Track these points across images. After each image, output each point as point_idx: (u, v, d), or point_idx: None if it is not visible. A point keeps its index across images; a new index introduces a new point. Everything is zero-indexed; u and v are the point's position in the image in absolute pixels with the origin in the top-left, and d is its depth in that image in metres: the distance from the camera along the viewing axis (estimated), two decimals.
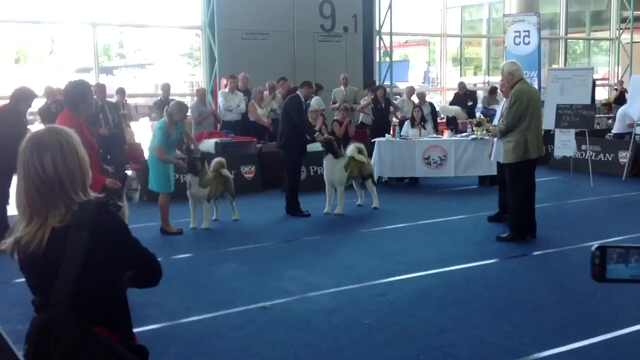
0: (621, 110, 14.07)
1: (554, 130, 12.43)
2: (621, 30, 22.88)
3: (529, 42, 17.25)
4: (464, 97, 16.08)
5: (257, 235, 8.42)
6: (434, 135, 12.44)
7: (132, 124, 12.72)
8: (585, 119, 12.04)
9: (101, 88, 11.02)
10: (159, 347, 4.61)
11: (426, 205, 10.29)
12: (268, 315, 5.48)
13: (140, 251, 2.44)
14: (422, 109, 12.64)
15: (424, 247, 7.75)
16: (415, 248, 7.70)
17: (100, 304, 2.29)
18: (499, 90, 12.14)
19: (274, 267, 6.95)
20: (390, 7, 17.26)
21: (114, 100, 11.86)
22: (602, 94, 22.61)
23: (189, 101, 14.77)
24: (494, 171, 9.81)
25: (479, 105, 16.60)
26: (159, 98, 12.71)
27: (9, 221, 7.57)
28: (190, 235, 8.48)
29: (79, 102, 5.72)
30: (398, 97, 16.16)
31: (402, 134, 12.24)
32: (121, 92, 12.25)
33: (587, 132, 12.22)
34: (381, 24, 17.40)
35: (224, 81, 14.04)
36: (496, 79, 16.59)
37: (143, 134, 12.65)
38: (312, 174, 11.55)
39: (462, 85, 16.77)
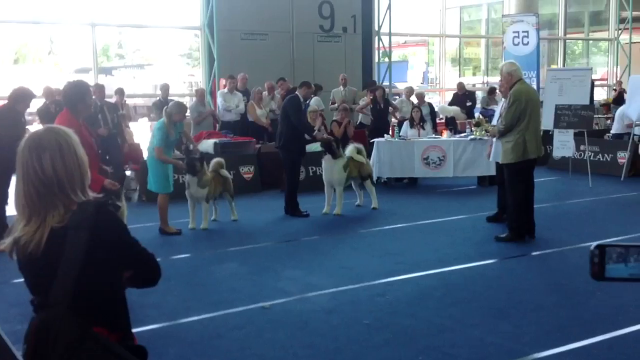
0: (620, 110, 14.08)
1: (553, 131, 12.43)
2: (620, 31, 22.91)
3: (528, 42, 17.27)
4: (463, 97, 16.09)
5: (256, 236, 8.42)
6: (433, 135, 12.44)
7: (131, 125, 12.72)
8: (584, 119, 12.05)
9: (100, 88, 11.02)
10: (158, 348, 4.61)
11: (425, 206, 10.29)
12: (267, 316, 5.48)
13: (139, 251, 2.44)
14: (421, 110, 12.64)
15: (423, 247, 7.75)
16: (414, 248, 7.70)
17: (99, 304, 2.29)
18: (497, 91, 12.18)
19: (273, 267, 6.95)
20: (389, 7, 17.27)
21: (112, 100, 11.87)
22: (601, 95, 22.62)
23: (188, 101, 14.76)
24: (492, 171, 9.82)
25: (478, 105, 16.61)
26: (158, 98, 12.71)
27: (8, 221, 7.57)
28: (189, 236, 8.47)
29: (77, 102, 5.71)
30: (397, 97, 16.17)
31: (401, 134, 12.25)
32: (120, 92, 12.26)
33: (585, 133, 12.23)
34: (380, 24, 17.41)
35: (223, 81, 14.04)
36: (495, 80, 16.58)
37: (142, 134, 12.65)
38: (311, 174, 11.55)
39: (461, 85, 16.77)
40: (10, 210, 7.64)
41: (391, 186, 12.01)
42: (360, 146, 10.07)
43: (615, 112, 14.82)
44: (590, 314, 5.45)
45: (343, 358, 4.69)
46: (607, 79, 23.64)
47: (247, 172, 11.64)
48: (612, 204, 10.32)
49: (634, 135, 12.94)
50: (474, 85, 21.64)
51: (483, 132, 11.37)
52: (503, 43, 17.97)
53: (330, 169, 9.55)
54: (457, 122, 15.32)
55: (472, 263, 6.98)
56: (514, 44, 17.41)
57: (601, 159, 13.11)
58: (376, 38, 17.49)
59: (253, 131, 12.88)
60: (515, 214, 7.75)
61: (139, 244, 2.44)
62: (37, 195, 2.27)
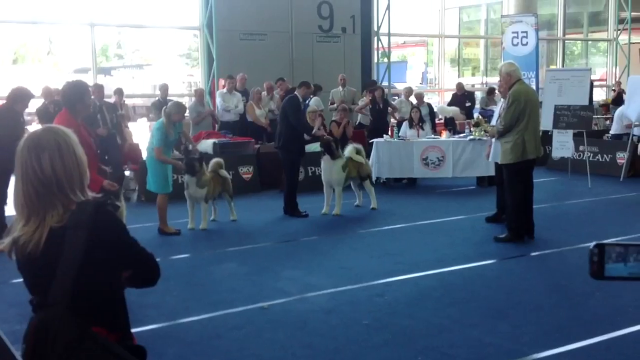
0: (619, 111, 14.09)
1: (552, 131, 12.43)
2: (619, 31, 22.92)
3: (527, 42, 17.26)
4: (462, 97, 16.09)
5: (255, 236, 8.42)
6: (432, 135, 12.45)
7: (130, 125, 12.71)
8: (583, 119, 12.05)
9: (99, 88, 11.01)
10: (157, 348, 4.61)
11: (424, 206, 10.29)
12: (266, 316, 5.48)
13: (138, 251, 2.43)
14: (420, 110, 12.64)
15: (422, 247, 7.75)
16: (413, 248, 7.70)
17: (99, 304, 2.29)
18: (497, 91, 12.17)
19: (272, 267, 6.94)
20: (388, 8, 17.26)
21: (112, 100, 11.86)
22: (600, 95, 22.62)
23: (187, 102, 14.74)
24: (491, 172, 9.82)
25: (477, 106, 16.60)
26: (157, 98, 12.70)
27: (7, 221, 7.56)
28: (188, 236, 8.47)
29: (76, 102, 5.71)
30: (396, 97, 16.16)
31: (400, 134, 12.25)
32: (119, 92, 12.26)
33: (585, 133, 12.23)
34: (379, 24, 17.40)
35: (222, 82, 14.04)
36: (494, 80, 16.57)
37: (141, 134, 12.64)
38: (310, 174, 11.55)
39: (460, 86, 16.77)
40: (10, 210, 7.64)
41: (390, 186, 12.02)
42: (359, 146, 10.07)
43: (614, 112, 14.83)
44: (589, 314, 5.45)
45: (342, 358, 4.69)
46: (606, 80, 23.65)
47: (246, 172, 11.64)
48: (611, 205, 10.32)
49: (633, 135, 12.95)
50: (473, 85, 21.64)
51: (482, 132, 11.37)
52: (502, 43, 17.96)
53: (329, 169, 9.55)
54: (456, 122, 15.32)
55: (471, 263, 6.98)
56: (513, 45, 17.41)
57: (600, 160, 13.12)
58: (375, 38, 17.48)
59: (252, 131, 12.88)
60: (514, 215, 7.75)
61: (138, 243, 2.43)
62: (36, 195, 2.26)
